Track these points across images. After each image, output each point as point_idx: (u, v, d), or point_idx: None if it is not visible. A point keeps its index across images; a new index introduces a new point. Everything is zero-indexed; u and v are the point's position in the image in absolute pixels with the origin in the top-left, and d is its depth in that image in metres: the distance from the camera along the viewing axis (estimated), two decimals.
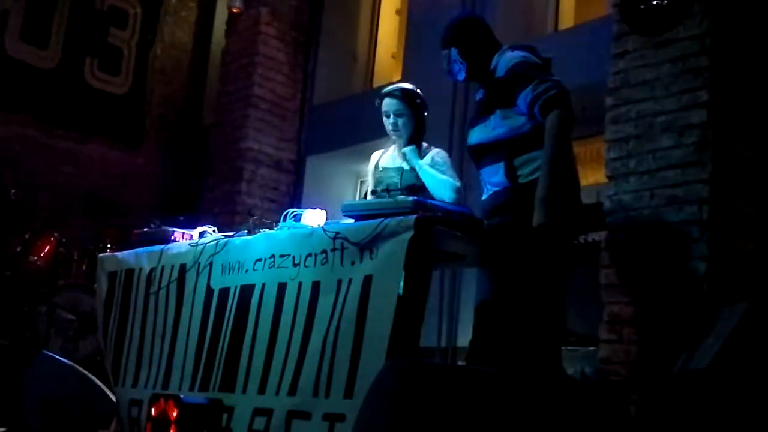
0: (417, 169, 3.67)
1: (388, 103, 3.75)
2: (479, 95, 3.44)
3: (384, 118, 3.78)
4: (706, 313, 3.35)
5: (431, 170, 3.64)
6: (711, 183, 3.68)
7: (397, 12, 7.46)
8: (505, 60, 3.24)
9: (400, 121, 3.73)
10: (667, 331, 3.58)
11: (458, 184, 3.65)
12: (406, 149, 3.72)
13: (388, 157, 3.89)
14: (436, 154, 3.76)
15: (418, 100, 3.77)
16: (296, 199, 6.96)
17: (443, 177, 3.62)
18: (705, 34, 3.83)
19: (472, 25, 3.43)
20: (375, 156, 3.96)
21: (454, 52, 3.37)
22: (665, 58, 3.94)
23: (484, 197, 3.33)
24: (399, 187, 3.69)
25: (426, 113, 3.80)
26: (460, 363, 5.05)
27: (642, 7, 4.07)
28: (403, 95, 3.75)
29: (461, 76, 3.42)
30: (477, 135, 3.32)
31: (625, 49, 4.11)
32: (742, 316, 2.87)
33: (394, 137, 3.81)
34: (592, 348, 3.96)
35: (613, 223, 3.92)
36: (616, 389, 3.65)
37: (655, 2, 4.03)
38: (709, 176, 3.69)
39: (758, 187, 3.93)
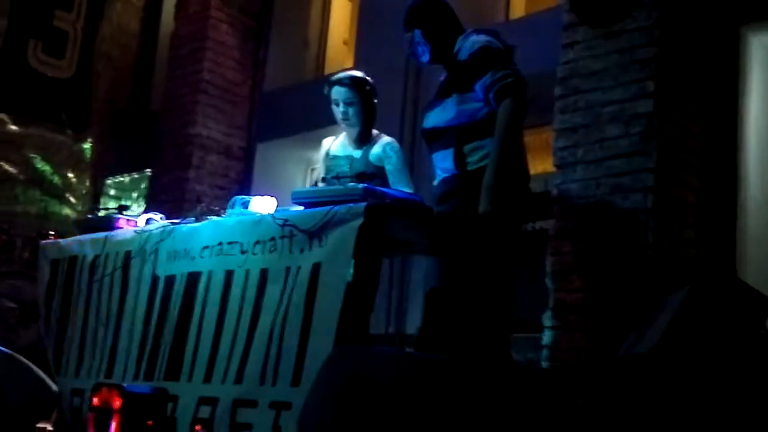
0: None
1: (337, 92, 3.71)
2: (442, 77, 3.40)
3: (333, 107, 3.74)
4: (651, 299, 3.41)
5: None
6: (656, 172, 3.73)
7: None
8: (469, 44, 3.22)
9: (351, 110, 3.70)
10: (613, 318, 3.63)
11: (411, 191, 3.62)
12: None
13: (338, 144, 3.86)
14: (388, 145, 3.72)
15: (368, 87, 3.74)
16: (246, 187, 6.89)
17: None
18: (653, 25, 3.87)
19: (435, 6, 3.38)
20: (325, 143, 3.92)
21: (417, 33, 3.32)
22: (613, 48, 3.98)
23: (435, 182, 3.33)
24: (348, 175, 3.67)
25: (376, 100, 3.78)
26: (408, 350, 5.07)
27: None
28: (353, 83, 3.71)
29: (425, 58, 3.37)
30: (432, 119, 3.30)
31: (575, 39, 4.14)
32: (683, 301, 2.92)
33: (344, 126, 3.78)
34: (538, 335, 4.00)
35: (560, 212, 3.95)
36: (561, 375, 3.69)
37: None
38: (655, 165, 3.74)
39: (701, 176, 4.00)
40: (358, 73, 3.81)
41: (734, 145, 4.14)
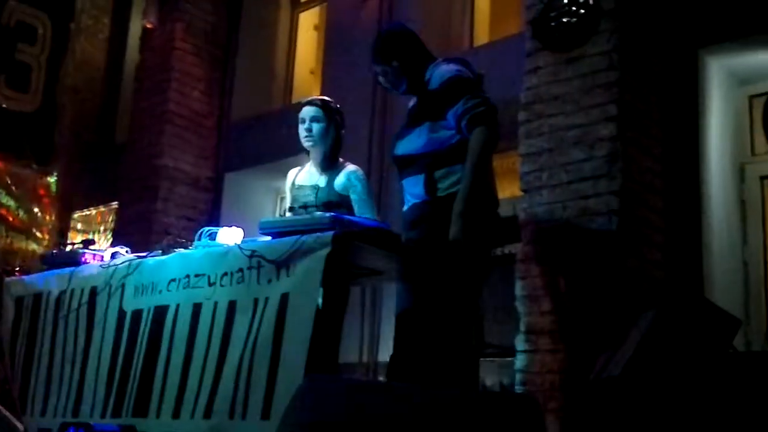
0: None
1: (306, 111, 3.73)
2: (411, 103, 3.42)
3: (299, 126, 3.73)
4: (620, 321, 3.43)
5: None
6: (620, 195, 3.78)
7: (315, 28, 7.46)
8: (440, 73, 3.24)
9: (315, 126, 3.69)
10: (583, 340, 3.65)
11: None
12: None
13: (304, 174, 3.85)
14: (353, 174, 3.72)
15: (338, 116, 3.76)
16: (215, 217, 6.85)
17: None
18: (612, 50, 3.94)
19: (408, 38, 3.39)
20: (291, 174, 3.92)
21: (395, 65, 3.33)
22: (575, 73, 4.04)
23: (405, 208, 3.33)
24: (314, 203, 3.67)
25: (343, 131, 3.78)
26: (381, 378, 5.05)
27: (552, 24, 4.17)
28: (323, 103, 3.76)
29: (402, 89, 3.37)
30: (403, 146, 3.31)
31: (537, 65, 4.20)
32: (651, 323, 2.95)
33: (307, 145, 3.75)
34: (509, 359, 4.01)
35: (528, 236, 3.98)
36: (532, 399, 3.69)
37: (564, 20, 4.13)
38: (619, 188, 3.78)
39: (666, 198, 4.05)
40: (330, 100, 3.84)
41: (696, 166, 4.21)
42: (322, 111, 3.72)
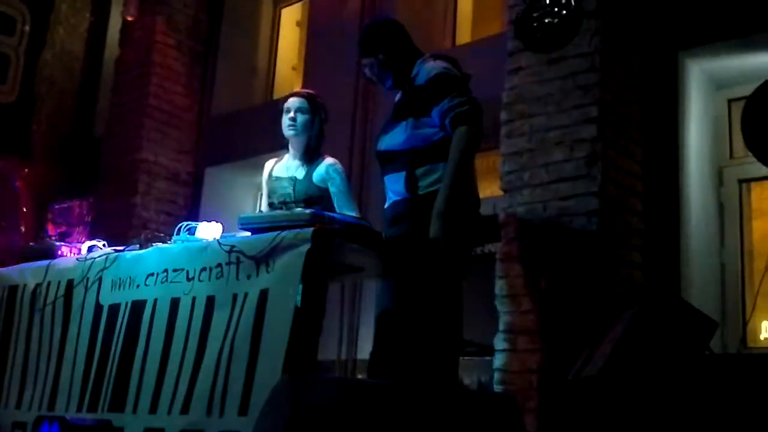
0: None
1: (291, 101, 3.74)
2: (397, 98, 3.40)
3: (283, 116, 3.72)
4: (598, 321, 3.45)
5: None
6: (600, 196, 3.80)
7: (298, 24, 7.43)
8: (426, 69, 3.21)
9: (300, 117, 3.70)
10: (562, 340, 3.66)
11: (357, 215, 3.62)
12: None
13: (281, 166, 3.84)
14: (331, 167, 3.72)
15: (322, 111, 3.76)
16: (194, 212, 6.81)
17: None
18: (593, 51, 3.96)
19: (395, 30, 3.37)
20: (268, 165, 3.90)
21: (380, 58, 3.30)
22: (557, 74, 4.05)
23: (386, 205, 3.32)
24: (293, 197, 3.65)
25: (324, 123, 3.78)
26: (360, 375, 5.04)
27: (535, 25, 4.19)
28: (309, 96, 3.78)
29: (388, 83, 3.35)
30: (386, 141, 3.29)
31: (519, 65, 4.21)
32: (629, 323, 2.96)
33: (290, 133, 3.73)
34: (488, 357, 4.02)
35: (508, 235, 3.99)
36: (510, 398, 3.70)
37: (546, 21, 4.15)
38: (599, 189, 3.80)
39: (645, 200, 4.08)
40: (317, 94, 3.84)
41: (676, 169, 4.24)
42: (308, 103, 3.73)
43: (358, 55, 3.40)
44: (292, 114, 3.71)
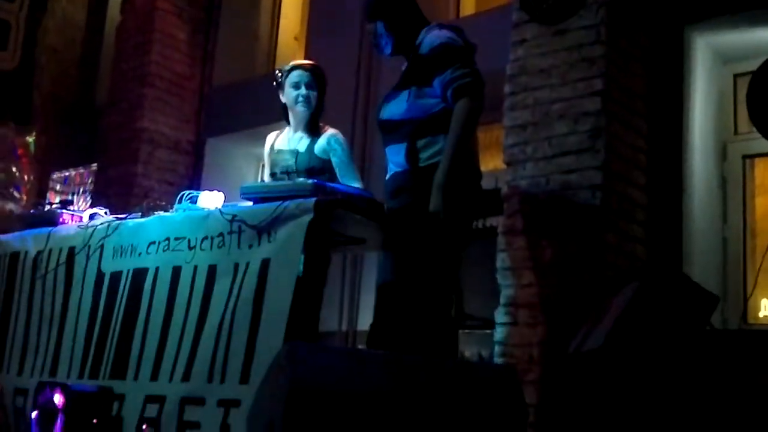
0: None
1: (299, 74, 3.70)
2: (404, 67, 3.36)
3: (292, 89, 3.69)
4: (600, 295, 3.45)
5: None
6: (603, 169, 3.78)
7: None
8: (431, 38, 3.19)
9: (312, 94, 3.69)
10: (563, 314, 3.67)
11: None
12: None
13: (283, 138, 3.83)
14: (333, 138, 3.70)
15: (324, 79, 3.76)
16: (196, 182, 6.79)
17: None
18: (599, 24, 3.92)
19: None
20: (270, 138, 3.89)
21: (380, 25, 3.28)
22: (561, 46, 4.01)
23: (387, 176, 3.31)
24: (294, 169, 3.65)
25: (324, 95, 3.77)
26: (361, 346, 5.06)
27: None
28: (315, 69, 3.75)
29: (387, 50, 3.32)
30: (388, 110, 3.27)
31: (524, 37, 4.17)
32: (631, 298, 2.96)
33: (302, 110, 3.72)
34: (489, 331, 4.02)
35: (510, 208, 3.98)
36: (510, 369, 3.72)
37: None
38: (602, 163, 3.78)
39: (649, 174, 4.06)
40: (320, 67, 3.82)
41: (680, 143, 4.22)
42: (314, 77, 3.71)
43: (363, 21, 3.38)
44: (303, 90, 3.68)
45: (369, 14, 3.32)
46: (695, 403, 2.74)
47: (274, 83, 3.77)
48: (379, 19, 3.28)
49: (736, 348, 2.96)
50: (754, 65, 3.77)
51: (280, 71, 3.75)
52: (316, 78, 3.71)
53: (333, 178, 3.57)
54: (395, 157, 3.23)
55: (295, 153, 3.69)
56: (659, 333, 2.86)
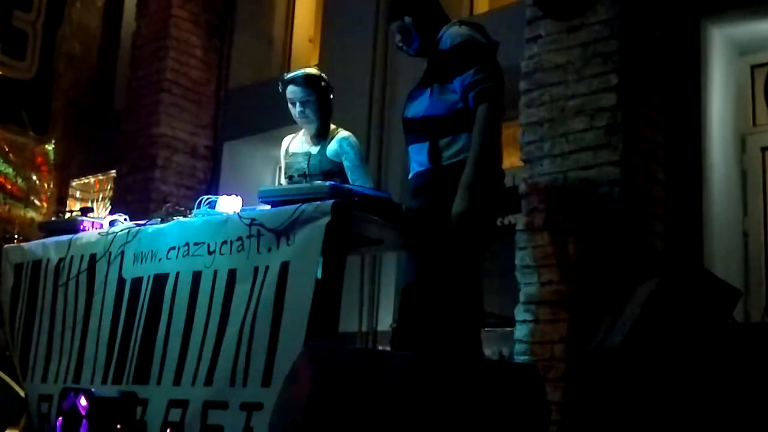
0: None
1: (292, 91, 3.68)
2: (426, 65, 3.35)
3: (290, 106, 3.71)
4: (620, 291, 3.43)
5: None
6: (621, 165, 3.76)
7: None
8: (450, 35, 3.16)
9: (308, 110, 3.67)
10: (583, 310, 3.66)
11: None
12: None
13: (297, 142, 3.84)
14: (345, 140, 3.70)
15: (323, 84, 3.71)
16: (214, 186, 6.83)
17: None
18: (614, 18, 3.90)
19: None
20: (285, 141, 3.91)
21: (407, 21, 3.24)
22: (576, 42, 4.00)
23: (410, 175, 3.31)
24: (306, 172, 3.66)
25: (332, 95, 3.75)
26: (380, 347, 5.06)
27: None
28: (307, 81, 3.67)
29: (415, 46, 3.28)
30: (412, 109, 3.25)
31: (538, 33, 4.16)
32: (652, 293, 2.95)
33: (301, 123, 3.75)
34: (508, 329, 4.01)
35: (528, 206, 3.97)
36: (533, 367, 3.71)
37: None
38: (620, 158, 3.76)
39: (667, 169, 4.04)
40: (313, 70, 3.79)
41: (698, 137, 4.19)
42: (308, 89, 3.66)
43: (387, 21, 3.35)
44: (299, 107, 3.67)
45: (395, 11, 3.30)
46: (718, 398, 2.72)
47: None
48: (406, 14, 3.26)
49: (760, 341, 2.93)
50: None
51: (281, 83, 3.74)
52: (311, 88, 3.67)
53: (345, 180, 3.58)
54: (418, 156, 3.23)
55: (308, 156, 3.71)
56: (681, 328, 2.84)
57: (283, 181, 3.84)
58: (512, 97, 4.15)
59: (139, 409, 3.06)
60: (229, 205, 3.30)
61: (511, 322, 3.96)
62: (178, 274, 3.22)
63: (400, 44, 3.33)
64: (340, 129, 3.76)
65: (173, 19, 6.86)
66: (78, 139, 7.67)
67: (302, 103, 3.66)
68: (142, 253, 3.38)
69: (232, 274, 3.05)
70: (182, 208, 3.50)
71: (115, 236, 3.51)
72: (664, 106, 4.10)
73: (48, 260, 3.79)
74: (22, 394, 3.67)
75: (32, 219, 6.87)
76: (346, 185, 3.11)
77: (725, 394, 2.72)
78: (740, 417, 2.69)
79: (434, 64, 3.21)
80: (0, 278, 4.11)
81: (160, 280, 3.28)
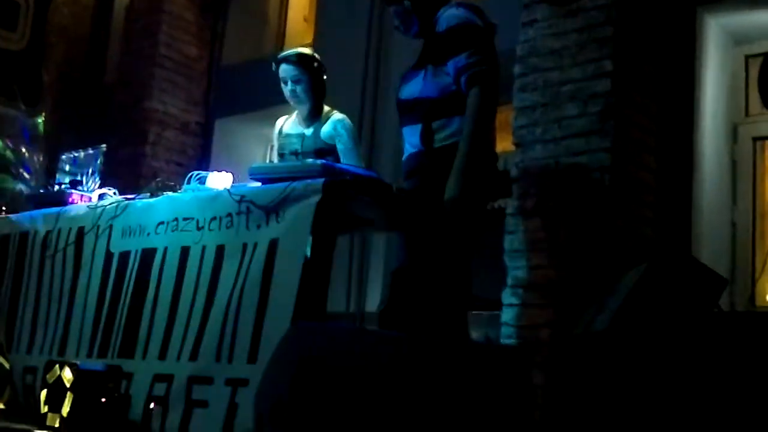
0: None
1: (284, 70, 3.68)
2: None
3: (282, 85, 3.71)
4: (608, 277, 3.44)
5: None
6: (613, 152, 3.76)
7: None
8: (447, 16, 3.15)
9: (299, 88, 3.67)
10: (571, 295, 3.67)
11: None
12: None
13: (290, 122, 3.84)
14: (339, 123, 3.69)
15: (316, 64, 3.70)
16: (204, 163, 6.80)
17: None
18: (610, 5, 3.88)
19: None
20: (279, 122, 3.91)
21: (407, 4, 3.22)
22: (572, 27, 3.98)
23: (404, 157, 3.30)
24: (299, 151, 3.66)
25: (325, 76, 3.74)
26: (368, 327, 5.07)
27: None
28: (299, 60, 3.67)
29: (414, 30, 3.26)
30: (407, 90, 3.24)
31: (534, 17, 4.14)
32: (639, 279, 2.96)
33: (293, 103, 3.74)
34: (495, 312, 4.03)
35: (519, 190, 3.97)
36: (519, 350, 3.72)
37: None
38: (611, 145, 3.76)
39: (659, 156, 4.04)
40: (306, 50, 3.78)
41: (690, 125, 4.19)
42: (300, 68, 3.66)
43: (386, 3, 3.33)
44: (290, 86, 3.67)
45: None
46: (702, 385, 2.74)
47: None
48: None
49: (744, 330, 2.95)
50: (765, 47, 3.75)
51: (274, 62, 3.74)
52: (303, 68, 3.66)
53: (337, 160, 3.57)
54: (411, 138, 3.22)
55: (301, 137, 3.71)
56: (666, 315, 2.85)
57: (275, 160, 3.84)
58: (506, 80, 4.14)
59: (123, 383, 3.06)
60: (219, 181, 3.29)
61: (498, 305, 3.97)
62: (166, 249, 3.22)
63: (400, 28, 3.32)
64: (334, 111, 3.75)
65: None
66: (68, 111, 7.61)
67: (294, 82, 3.66)
68: (130, 227, 3.37)
69: (220, 250, 3.05)
70: (172, 183, 3.49)
71: (103, 210, 3.50)
72: (658, 93, 4.10)
73: (35, 232, 3.78)
74: (6, 365, 3.66)
75: (21, 191, 6.83)
76: (338, 164, 3.10)
77: (708, 380, 2.73)
78: (723, 405, 2.71)
79: (430, 46, 3.20)
80: None
81: (147, 254, 3.27)
